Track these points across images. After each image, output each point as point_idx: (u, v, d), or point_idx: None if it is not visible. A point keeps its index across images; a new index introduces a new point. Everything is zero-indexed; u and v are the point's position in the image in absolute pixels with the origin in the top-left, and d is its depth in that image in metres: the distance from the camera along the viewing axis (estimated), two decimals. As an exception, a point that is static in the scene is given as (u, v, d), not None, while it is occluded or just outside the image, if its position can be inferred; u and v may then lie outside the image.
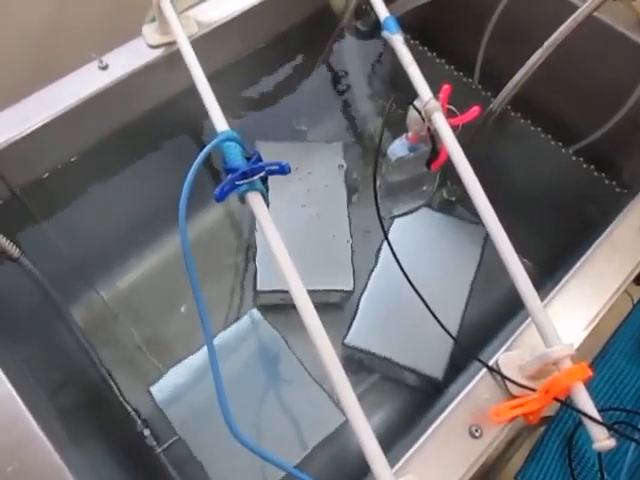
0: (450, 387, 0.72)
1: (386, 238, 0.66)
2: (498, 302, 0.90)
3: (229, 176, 0.53)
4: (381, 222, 0.64)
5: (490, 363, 0.54)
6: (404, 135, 0.69)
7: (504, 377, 0.53)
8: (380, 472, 0.44)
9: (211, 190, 0.99)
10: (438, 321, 0.57)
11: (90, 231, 0.89)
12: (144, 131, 0.81)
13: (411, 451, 0.51)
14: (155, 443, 0.80)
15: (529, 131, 0.82)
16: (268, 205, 0.58)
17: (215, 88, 0.62)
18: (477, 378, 0.54)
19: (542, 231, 0.92)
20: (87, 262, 0.89)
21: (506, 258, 0.54)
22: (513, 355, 0.55)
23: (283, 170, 0.54)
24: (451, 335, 0.58)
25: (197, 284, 0.49)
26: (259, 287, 0.86)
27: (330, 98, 1.02)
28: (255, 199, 0.55)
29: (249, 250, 0.96)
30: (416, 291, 0.60)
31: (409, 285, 0.84)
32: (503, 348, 0.56)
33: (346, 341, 0.82)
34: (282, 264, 0.52)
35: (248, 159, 0.55)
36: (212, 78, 0.64)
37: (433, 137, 0.66)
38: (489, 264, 0.89)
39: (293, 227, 0.90)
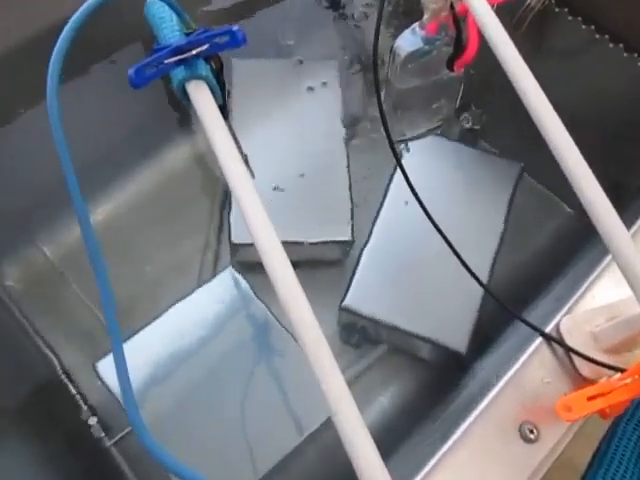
0: (477, 363, 0.55)
1: (399, 163, 0.48)
2: (535, 254, 0.73)
3: (155, 53, 0.36)
4: (390, 138, 0.46)
5: (547, 330, 0.37)
6: (417, 24, 0.51)
7: (572, 351, 0.35)
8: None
9: (183, 122, 0.81)
10: (468, 269, 0.40)
11: (28, 174, 0.72)
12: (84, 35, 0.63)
13: (435, 459, 0.34)
14: (103, 434, 0.64)
15: (581, 33, 0.63)
16: (224, 108, 0.41)
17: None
18: (529, 352, 0.36)
19: (598, 166, 0.74)
20: (26, 211, 0.73)
21: (576, 175, 0.36)
22: (581, 318, 0.37)
23: (236, 40, 0.36)
24: (486, 288, 0.41)
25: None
26: (234, 239, 0.69)
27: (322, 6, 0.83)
28: (198, 92, 0.37)
29: (227, 195, 0.79)
30: (438, 229, 0.43)
31: (422, 233, 0.68)
32: (565, 308, 0.38)
33: (344, 304, 0.65)
34: (241, 197, 0.35)
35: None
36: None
37: (458, 21, 0.48)
38: (522, 208, 0.72)
39: (279, 166, 0.73)
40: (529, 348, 0.36)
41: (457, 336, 0.64)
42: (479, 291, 0.65)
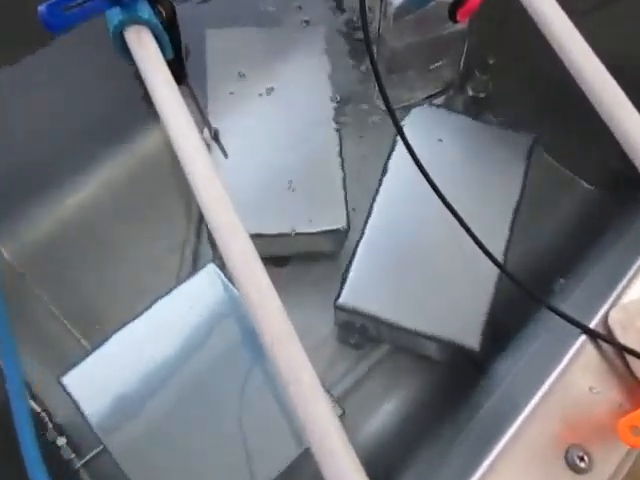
0: (496, 363, 0.48)
1: (400, 132, 0.41)
2: (553, 237, 0.65)
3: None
4: (387, 101, 0.39)
5: (591, 324, 0.29)
6: (413, -34, 0.43)
7: (627, 351, 0.27)
8: None
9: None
10: (484, 250, 0.32)
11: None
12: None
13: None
14: (73, 455, 0.57)
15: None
16: (179, 68, 0.34)
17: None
18: (570, 353, 0.28)
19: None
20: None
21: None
22: (636, 309, 0.29)
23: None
24: (508, 273, 0.33)
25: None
26: (214, 231, 0.61)
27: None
28: (139, 40, 0.29)
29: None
30: (448, 205, 0.35)
31: (425, 217, 0.61)
32: (611, 298, 0.30)
33: (339, 302, 0.58)
34: (192, 172, 0.27)
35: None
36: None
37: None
38: (535, 186, 0.64)
39: (261, 149, 0.65)
40: (570, 349, 0.29)
41: (468, 330, 0.56)
42: (491, 279, 0.58)
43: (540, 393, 0.27)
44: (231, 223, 0.23)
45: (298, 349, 0.20)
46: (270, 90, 0.67)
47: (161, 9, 0.32)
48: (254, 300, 0.21)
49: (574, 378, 0.28)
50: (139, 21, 0.29)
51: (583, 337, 0.29)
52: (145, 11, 0.30)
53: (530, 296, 0.32)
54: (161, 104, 0.27)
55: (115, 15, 0.29)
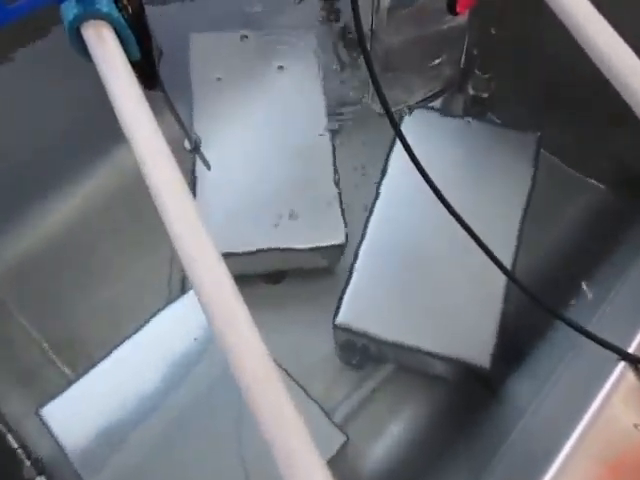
0: (510, 385, 0.44)
1: (399, 135, 0.37)
2: (566, 243, 0.61)
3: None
4: (384, 100, 0.35)
5: (630, 349, 0.25)
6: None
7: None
8: None
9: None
10: (496, 261, 0.28)
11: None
12: None
13: None
14: (52, 495, 0.53)
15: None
16: (150, 72, 0.30)
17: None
18: (608, 384, 0.24)
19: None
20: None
21: None
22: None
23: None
24: (524, 288, 0.30)
25: None
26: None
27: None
28: (97, 36, 0.26)
29: (194, 198, 0.67)
30: (454, 214, 0.31)
31: (427, 228, 0.58)
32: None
33: (337, 321, 0.54)
34: (156, 183, 0.23)
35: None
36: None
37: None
38: (542, 189, 0.60)
39: (250, 161, 0.61)
40: (607, 378, 0.25)
41: (477, 347, 0.53)
42: (499, 291, 0.54)
43: (577, 431, 0.23)
44: (203, 252, 0.19)
45: (284, 402, 0.16)
46: (258, 97, 0.63)
47: (126, 3, 0.29)
48: (228, 339, 0.17)
49: (615, 413, 0.24)
50: (98, 15, 0.26)
51: (622, 364, 0.25)
52: (104, 4, 0.26)
53: (557, 317, 0.28)
54: (120, 110, 0.23)
55: (70, 8, 0.26)
